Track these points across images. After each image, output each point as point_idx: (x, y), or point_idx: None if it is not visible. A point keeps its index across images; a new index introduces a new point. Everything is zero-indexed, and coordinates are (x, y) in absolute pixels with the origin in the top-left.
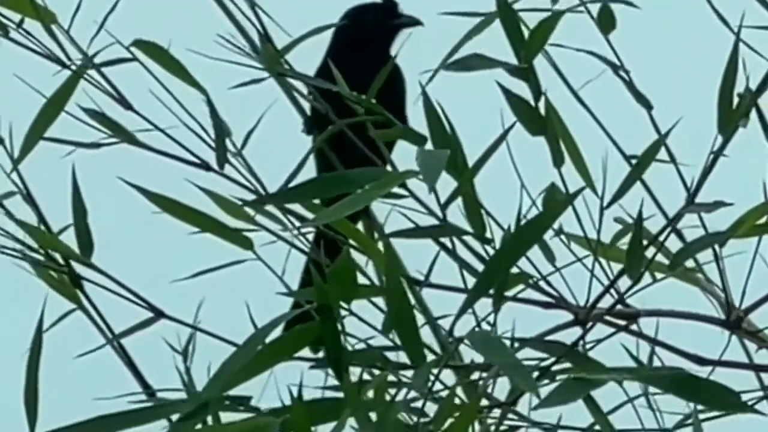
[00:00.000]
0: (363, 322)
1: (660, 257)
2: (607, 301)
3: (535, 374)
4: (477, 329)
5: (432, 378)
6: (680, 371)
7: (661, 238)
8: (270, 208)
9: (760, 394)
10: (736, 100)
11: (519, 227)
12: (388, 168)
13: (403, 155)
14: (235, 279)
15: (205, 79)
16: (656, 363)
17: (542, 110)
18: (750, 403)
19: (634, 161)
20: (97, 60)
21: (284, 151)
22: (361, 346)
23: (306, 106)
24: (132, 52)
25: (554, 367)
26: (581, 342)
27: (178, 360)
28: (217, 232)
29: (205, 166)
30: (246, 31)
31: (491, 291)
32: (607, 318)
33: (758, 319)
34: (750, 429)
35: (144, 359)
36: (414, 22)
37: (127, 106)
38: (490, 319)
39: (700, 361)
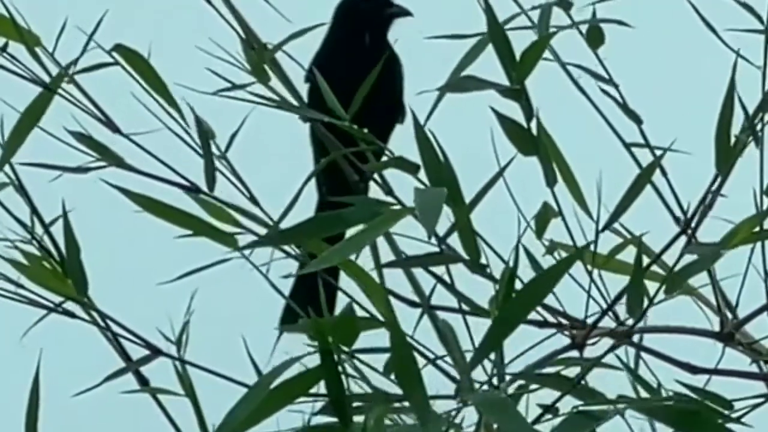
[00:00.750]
0: (365, 365)
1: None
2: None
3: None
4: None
5: None
6: (678, 402)
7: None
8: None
9: (754, 402)
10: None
11: (520, 290)
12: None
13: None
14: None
15: (191, 80)
16: (648, 374)
17: (534, 130)
18: (742, 412)
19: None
20: (77, 70)
21: (270, 152)
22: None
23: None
24: (114, 57)
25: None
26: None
27: (172, 349)
28: (203, 232)
29: (194, 188)
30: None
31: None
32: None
33: (754, 329)
34: None
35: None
36: (405, 12)
37: (114, 129)
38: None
39: (693, 369)
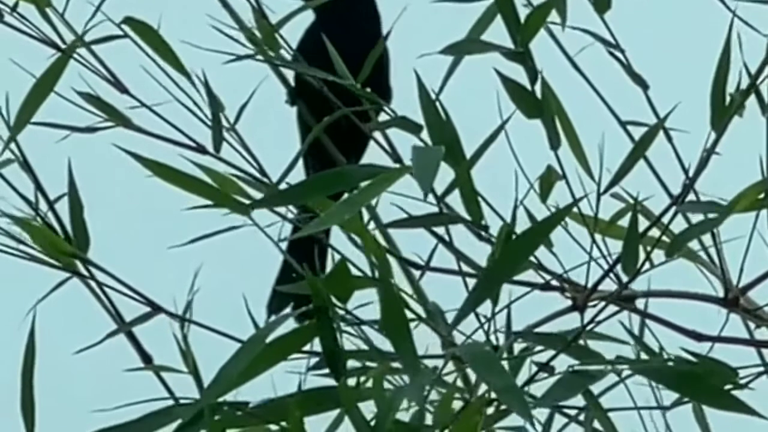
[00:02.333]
0: (359, 321)
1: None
2: (605, 283)
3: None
4: (470, 340)
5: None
6: (680, 365)
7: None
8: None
9: (759, 369)
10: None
11: (512, 241)
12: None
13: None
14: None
15: (198, 54)
16: (652, 341)
17: (539, 93)
18: (747, 380)
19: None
20: (88, 38)
21: (279, 124)
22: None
23: (289, 75)
24: (123, 29)
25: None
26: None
27: (176, 327)
28: (213, 198)
29: (201, 149)
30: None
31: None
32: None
33: (758, 296)
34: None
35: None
36: None
37: (123, 89)
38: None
39: (698, 337)
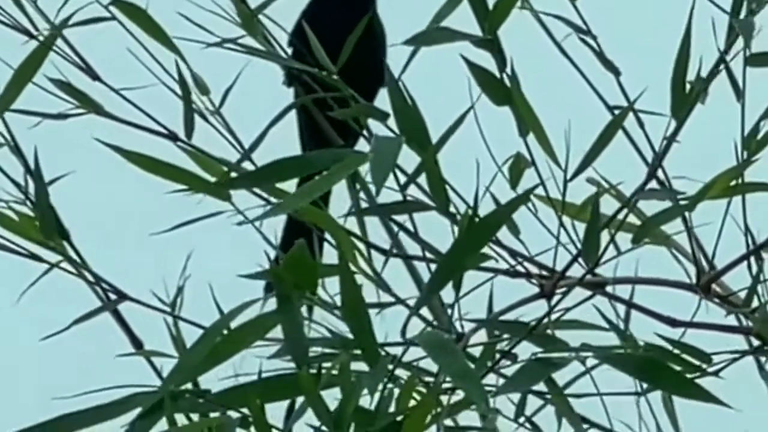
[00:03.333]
0: (323, 308)
1: (632, 218)
2: (574, 269)
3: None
4: (429, 328)
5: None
6: (646, 353)
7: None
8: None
9: (733, 356)
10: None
11: (473, 224)
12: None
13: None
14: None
15: (184, 41)
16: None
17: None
18: (720, 366)
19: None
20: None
21: (264, 108)
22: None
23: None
24: (110, 11)
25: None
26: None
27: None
28: (193, 184)
29: (172, 136)
30: None
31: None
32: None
33: (732, 281)
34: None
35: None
36: None
37: (94, 76)
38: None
39: (672, 322)
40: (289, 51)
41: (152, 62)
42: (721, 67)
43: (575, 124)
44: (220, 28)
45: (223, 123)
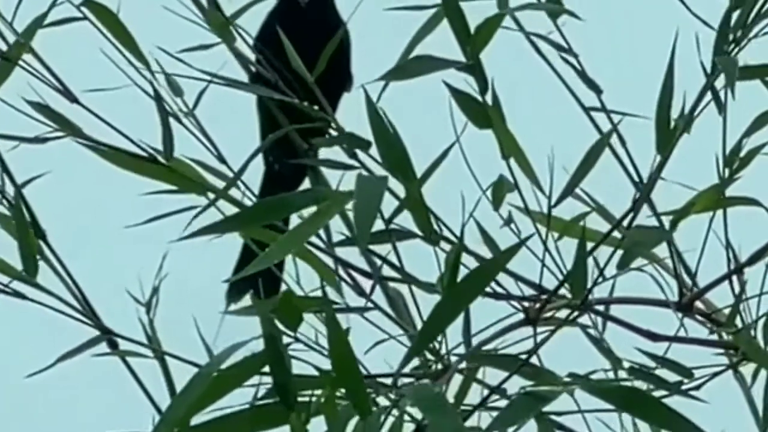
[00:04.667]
0: (311, 348)
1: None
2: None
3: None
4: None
5: None
6: (629, 387)
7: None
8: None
9: (714, 371)
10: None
11: (460, 283)
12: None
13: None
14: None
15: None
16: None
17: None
18: (701, 381)
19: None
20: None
21: (237, 110)
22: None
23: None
24: (83, 12)
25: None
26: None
27: (141, 312)
28: (170, 180)
29: (152, 159)
30: None
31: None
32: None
33: (715, 296)
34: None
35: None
36: None
37: (72, 98)
38: None
39: (654, 337)
40: (253, 55)
41: (125, 63)
42: (707, 98)
43: (559, 140)
44: (195, 32)
45: (196, 125)
